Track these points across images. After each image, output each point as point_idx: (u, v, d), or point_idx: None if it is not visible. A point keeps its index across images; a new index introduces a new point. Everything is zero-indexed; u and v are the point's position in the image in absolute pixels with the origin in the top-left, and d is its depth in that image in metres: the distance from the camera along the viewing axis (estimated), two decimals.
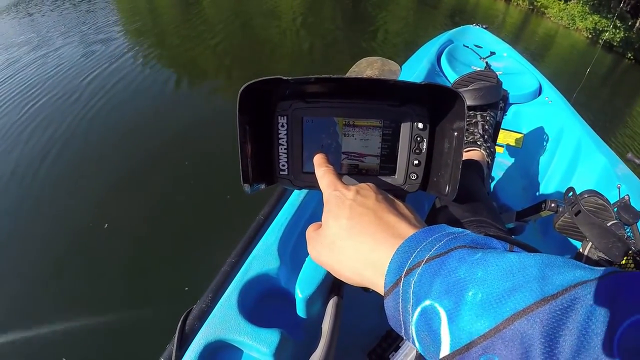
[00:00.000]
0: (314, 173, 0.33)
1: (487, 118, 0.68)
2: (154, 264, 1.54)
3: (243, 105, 0.31)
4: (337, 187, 0.29)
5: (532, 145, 1.06)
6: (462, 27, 1.49)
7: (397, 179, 0.37)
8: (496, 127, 0.72)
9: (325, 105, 0.35)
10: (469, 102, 0.68)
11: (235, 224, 0.96)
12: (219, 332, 0.42)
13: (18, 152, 2.09)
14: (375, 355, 0.55)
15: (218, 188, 1.84)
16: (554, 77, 1.35)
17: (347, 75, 0.80)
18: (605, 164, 0.87)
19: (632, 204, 0.59)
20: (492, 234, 0.42)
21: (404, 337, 0.21)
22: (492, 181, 1.01)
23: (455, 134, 0.33)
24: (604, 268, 0.17)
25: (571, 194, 0.62)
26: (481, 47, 1.34)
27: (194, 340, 0.43)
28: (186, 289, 1.40)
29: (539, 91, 1.16)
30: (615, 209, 0.59)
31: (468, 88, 0.69)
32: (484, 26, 1.49)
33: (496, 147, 0.75)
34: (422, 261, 0.20)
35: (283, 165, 0.37)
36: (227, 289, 0.47)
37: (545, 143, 1.05)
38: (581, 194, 0.60)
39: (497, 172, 1.03)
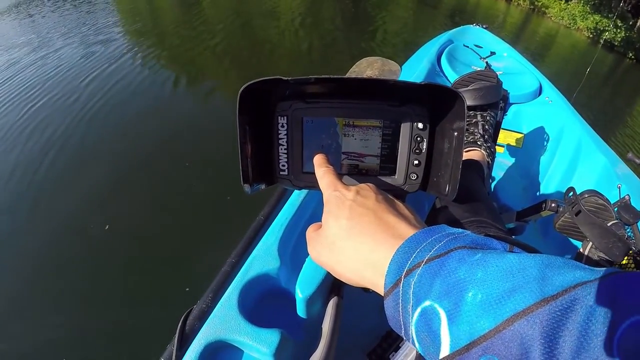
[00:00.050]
0: (313, 173, 0.33)
1: (487, 118, 0.68)
2: (154, 264, 1.54)
3: (243, 106, 0.31)
4: (337, 187, 0.29)
5: (532, 145, 1.06)
6: (462, 27, 1.49)
7: (397, 179, 0.37)
8: (496, 127, 0.72)
9: (325, 105, 0.35)
10: (469, 102, 0.67)
11: (235, 225, 0.96)
12: (219, 332, 0.42)
13: (18, 152, 2.10)
14: (375, 356, 0.55)
15: (218, 189, 1.84)
16: (554, 77, 1.35)
17: (347, 75, 0.80)
18: (605, 164, 0.87)
19: (632, 204, 0.59)
20: (492, 234, 0.42)
21: (404, 338, 0.21)
22: (492, 181, 1.01)
23: (455, 134, 0.32)
24: (604, 268, 0.17)
25: (571, 193, 0.61)
26: (481, 47, 1.34)
27: (194, 340, 0.43)
28: (187, 289, 1.40)
29: (539, 91, 1.16)
30: (616, 209, 0.59)
31: (468, 88, 0.69)
32: (484, 26, 1.49)
33: (496, 147, 0.75)
34: (422, 262, 0.20)
35: (283, 166, 0.37)
36: (227, 289, 0.47)
37: (545, 143, 1.05)
38: (581, 193, 0.60)
39: (498, 172, 1.03)
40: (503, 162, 1.06)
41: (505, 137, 1.07)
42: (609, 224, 0.56)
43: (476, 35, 1.44)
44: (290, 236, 0.53)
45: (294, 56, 3.89)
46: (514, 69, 1.24)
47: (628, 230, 0.57)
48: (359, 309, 0.64)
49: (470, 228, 0.44)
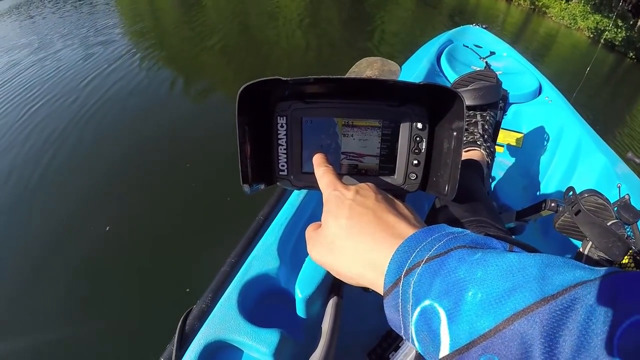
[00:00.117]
0: (313, 173, 0.33)
1: (487, 118, 0.68)
2: (155, 265, 1.54)
3: (242, 106, 0.31)
4: (337, 186, 0.29)
5: (532, 145, 1.06)
6: (462, 27, 1.49)
7: (397, 178, 0.37)
8: (496, 127, 0.72)
9: (324, 105, 0.35)
10: (468, 101, 0.67)
11: (235, 225, 0.96)
12: (219, 332, 0.42)
13: (17, 153, 2.10)
14: (375, 355, 0.55)
15: (219, 189, 1.84)
16: (555, 77, 1.34)
17: (347, 75, 0.80)
18: (605, 164, 0.87)
19: (632, 203, 0.59)
20: (491, 233, 0.42)
21: (404, 337, 0.21)
22: (492, 181, 1.01)
23: (455, 133, 0.32)
24: (604, 268, 0.17)
25: (571, 193, 0.61)
26: (481, 47, 1.34)
27: (194, 340, 0.43)
28: (187, 290, 1.40)
29: (539, 91, 1.16)
30: (616, 209, 0.59)
31: (468, 88, 0.69)
32: (483, 26, 1.49)
33: (496, 146, 0.75)
34: (422, 261, 0.20)
35: (282, 166, 0.37)
36: (227, 289, 0.47)
37: (545, 142, 1.05)
38: (581, 193, 0.60)
39: (497, 172, 1.03)
40: (503, 162, 1.06)
41: (505, 137, 1.07)
42: (608, 224, 0.56)
43: (476, 35, 1.44)
44: (289, 236, 0.53)
45: (293, 56, 3.89)
46: (513, 68, 1.24)
47: (628, 229, 0.57)
48: (358, 308, 0.64)
49: (470, 228, 0.44)
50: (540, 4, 12.02)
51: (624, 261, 0.54)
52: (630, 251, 0.54)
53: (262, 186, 0.37)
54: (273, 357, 0.42)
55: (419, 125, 0.35)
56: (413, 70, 1.14)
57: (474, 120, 0.68)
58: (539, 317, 0.15)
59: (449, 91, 0.31)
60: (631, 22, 11.09)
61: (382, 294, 0.22)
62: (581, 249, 0.59)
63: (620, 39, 10.54)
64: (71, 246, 1.59)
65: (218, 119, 2.43)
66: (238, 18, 4.84)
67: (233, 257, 0.55)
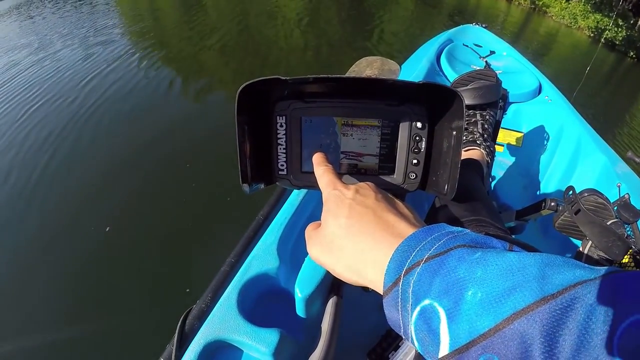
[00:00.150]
0: (312, 173, 0.33)
1: (487, 117, 0.68)
2: (155, 265, 1.54)
3: (242, 106, 0.31)
4: (337, 186, 0.29)
5: (532, 144, 1.06)
6: (461, 26, 1.49)
7: (396, 178, 0.37)
8: (496, 126, 0.72)
9: (323, 105, 0.35)
10: (468, 101, 0.67)
11: (235, 225, 0.96)
12: (218, 332, 0.42)
13: (18, 152, 2.10)
14: (375, 355, 0.55)
15: (219, 189, 1.84)
16: (555, 77, 1.34)
17: (346, 74, 0.80)
18: (605, 163, 0.87)
19: (632, 203, 0.59)
20: (491, 233, 0.42)
21: (403, 337, 0.21)
22: (492, 180, 1.01)
23: (454, 133, 0.32)
24: (604, 267, 0.17)
25: (571, 192, 0.61)
26: (481, 46, 1.34)
27: (194, 340, 0.43)
28: (187, 290, 1.40)
29: (539, 90, 1.16)
30: (615, 208, 0.59)
31: (467, 87, 0.69)
32: (483, 25, 1.49)
33: (496, 146, 0.75)
34: (422, 260, 0.20)
35: (282, 165, 0.37)
36: (226, 288, 0.47)
37: (545, 142, 1.05)
38: (581, 192, 0.60)
39: (497, 171, 1.03)
40: (502, 161, 1.06)
41: (505, 136, 1.07)
42: (608, 223, 0.56)
43: (476, 34, 1.44)
44: (289, 236, 0.53)
45: (292, 56, 3.89)
46: (513, 68, 1.23)
47: (628, 228, 0.57)
48: (358, 308, 0.64)
49: (470, 227, 0.44)
50: (541, 3, 12.00)
51: (624, 260, 0.54)
52: (630, 250, 0.54)
53: (262, 186, 0.37)
54: (273, 356, 0.42)
55: (419, 124, 0.35)
56: (413, 70, 1.14)
57: (473, 119, 0.68)
58: (538, 317, 0.15)
59: (448, 90, 0.31)
60: (632, 22, 11.08)
61: (382, 294, 0.22)
62: (581, 249, 0.59)
63: (620, 38, 10.53)
64: (71, 246, 1.59)
65: (218, 118, 2.43)
66: (237, 18, 4.84)
67: (233, 256, 0.55)
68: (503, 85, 0.73)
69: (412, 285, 0.20)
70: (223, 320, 0.43)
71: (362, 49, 4.07)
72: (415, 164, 0.36)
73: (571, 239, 0.80)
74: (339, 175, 0.31)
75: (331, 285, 0.50)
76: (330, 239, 0.26)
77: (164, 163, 2.05)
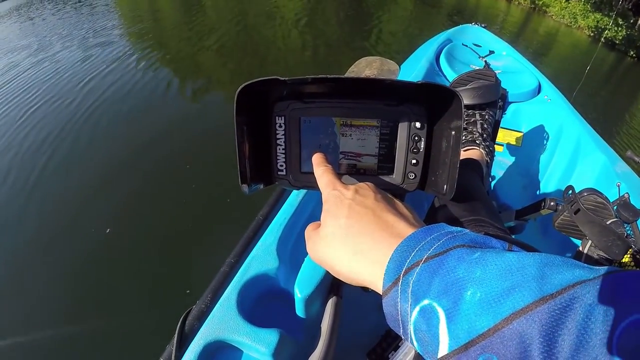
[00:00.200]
0: (312, 173, 0.33)
1: (486, 117, 0.68)
2: (155, 266, 1.54)
3: (240, 106, 0.31)
4: (336, 186, 0.29)
5: (531, 144, 1.06)
6: (461, 26, 1.49)
7: (395, 178, 0.37)
8: (495, 126, 0.72)
9: (322, 105, 0.35)
10: (467, 101, 0.67)
11: (235, 225, 0.96)
12: (218, 332, 0.42)
13: (17, 153, 2.10)
14: (375, 355, 0.55)
15: (219, 190, 1.84)
16: (555, 76, 1.35)
17: (346, 75, 0.80)
18: (604, 162, 0.87)
19: (631, 202, 0.59)
20: (491, 233, 0.42)
21: (402, 337, 0.21)
22: (491, 180, 1.01)
23: (453, 133, 0.32)
24: (603, 267, 0.17)
25: (570, 192, 0.61)
26: (480, 46, 1.34)
27: (194, 340, 0.43)
28: (187, 291, 1.40)
29: (538, 90, 1.16)
30: (615, 207, 0.59)
31: (466, 87, 0.69)
32: (482, 25, 1.49)
33: (495, 145, 0.75)
34: (421, 260, 0.20)
35: (281, 166, 0.37)
36: (226, 289, 0.47)
37: (544, 141, 1.05)
38: (580, 192, 0.60)
39: (497, 171, 1.03)
40: (502, 161, 1.06)
41: (504, 136, 1.07)
42: (608, 222, 0.56)
43: (475, 34, 1.44)
44: (289, 236, 0.53)
45: (291, 56, 3.89)
46: (512, 67, 1.23)
47: (627, 228, 0.57)
48: (358, 308, 0.64)
49: (469, 227, 0.44)
50: (541, 3, 12.00)
51: (623, 260, 0.54)
52: (630, 250, 0.54)
53: (261, 186, 0.37)
54: (272, 357, 0.42)
55: (418, 124, 0.35)
56: (412, 70, 1.14)
57: (473, 119, 0.68)
58: (537, 317, 0.15)
59: (447, 90, 0.31)
60: (632, 21, 11.08)
61: (381, 294, 0.22)
62: (581, 248, 0.59)
63: (620, 37, 10.53)
64: (71, 247, 1.59)
65: (217, 119, 2.43)
66: (236, 18, 4.84)
67: (232, 257, 0.55)
68: (502, 85, 0.73)
69: (411, 285, 0.20)
70: (223, 320, 0.43)
71: (361, 49, 4.07)
72: (414, 164, 0.36)
73: (571, 238, 0.80)
74: (338, 175, 0.31)
75: (331, 285, 0.50)
76: (329, 239, 0.26)
77: (163, 164, 2.05)
